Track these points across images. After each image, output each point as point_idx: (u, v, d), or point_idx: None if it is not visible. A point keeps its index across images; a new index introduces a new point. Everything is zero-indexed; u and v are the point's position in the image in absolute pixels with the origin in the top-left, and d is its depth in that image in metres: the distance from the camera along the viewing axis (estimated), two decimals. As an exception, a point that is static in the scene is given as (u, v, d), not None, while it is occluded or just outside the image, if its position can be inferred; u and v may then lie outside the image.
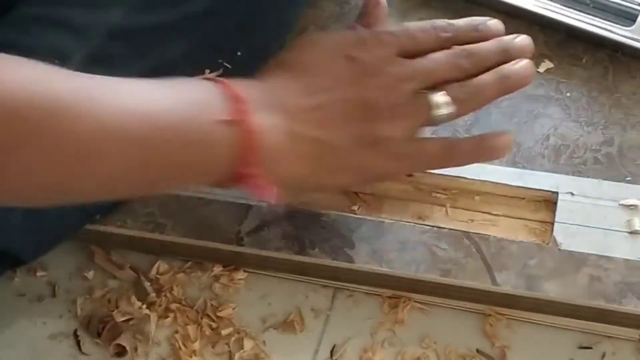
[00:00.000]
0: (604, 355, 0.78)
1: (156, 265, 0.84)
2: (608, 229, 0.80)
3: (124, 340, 0.80)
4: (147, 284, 0.83)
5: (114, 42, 0.80)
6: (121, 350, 0.80)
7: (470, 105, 0.77)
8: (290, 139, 0.72)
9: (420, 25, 0.78)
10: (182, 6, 0.82)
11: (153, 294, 0.82)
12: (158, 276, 0.83)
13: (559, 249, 0.79)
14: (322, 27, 0.96)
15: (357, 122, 0.74)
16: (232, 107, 0.70)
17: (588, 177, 0.83)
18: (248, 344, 0.79)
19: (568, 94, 0.89)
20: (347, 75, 0.75)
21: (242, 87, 0.72)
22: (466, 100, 0.76)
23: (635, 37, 0.90)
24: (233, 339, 0.80)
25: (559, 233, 0.79)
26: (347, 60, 0.75)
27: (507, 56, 0.78)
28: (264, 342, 0.80)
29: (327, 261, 0.80)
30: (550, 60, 0.90)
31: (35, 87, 0.64)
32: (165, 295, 0.82)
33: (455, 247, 0.80)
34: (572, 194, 0.82)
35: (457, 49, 0.77)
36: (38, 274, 0.85)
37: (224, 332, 0.80)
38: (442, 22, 0.78)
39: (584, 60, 0.91)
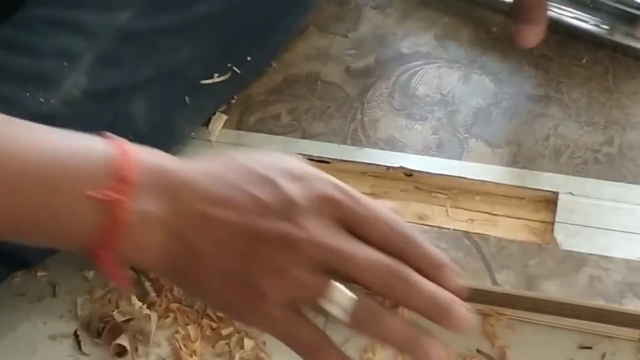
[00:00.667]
0: (604, 355, 0.78)
1: (156, 265, 0.84)
2: (608, 229, 0.80)
3: (124, 341, 0.80)
4: (147, 284, 0.83)
5: (123, 44, 0.80)
6: (121, 351, 0.80)
7: (361, 329, 0.63)
8: (164, 236, 0.63)
9: (386, 215, 0.64)
10: (191, 9, 0.82)
11: (153, 294, 0.82)
12: (158, 276, 0.83)
13: (559, 249, 0.79)
14: (322, 27, 0.96)
15: (241, 255, 0.63)
16: (112, 186, 0.61)
17: (588, 177, 0.83)
18: (248, 344, 0.79)
19: (568, 94, 0.89)
20: (265, 200, 0.63)
21: (145, 165, 0.63)
22: (361, 321, 0.63)
23: (636, 36, 0.90)
24: (233, 339, 0.80)
25: (559, 233, 0.80)
26: (278, 187, 0.63)
27: (435, 314, 0.64)
28: (264, 342, 0.80)
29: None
30: (550, 61, 0.90)
31: None
32: (166, 295, 0.82)
33: (455, 247, 0.80)
34: (572, 194, 0.82)
35: (399, 266, 0.63)
36: (38, 274, 0.85)
37: (224, 332, 0.80)
38: (411, 233, 0.65)
39: (584, 60, 0.91)
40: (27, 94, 0.77)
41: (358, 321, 0.63)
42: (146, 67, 0.81)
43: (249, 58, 0.87)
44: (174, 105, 0.83)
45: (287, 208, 0.63)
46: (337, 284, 0.62)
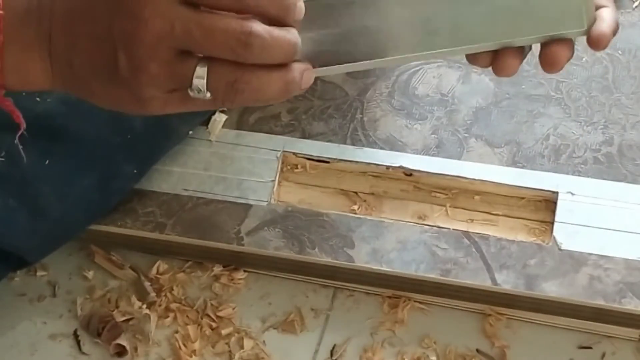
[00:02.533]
0: (604, 355, 0.78)
1: (156, 265, 0.84)
2: (608, 229, 0.80)
3: (124, 340, 0.80)
4: (147, 284, 0.83)
5: None
6: (121, 350, 0.80)
7: (229, 105, 0.63)
8: (43, 59, 0.64)
9: None
10: None
11: (153, 294, 0.82)
12: (158, 276, 0.83)
13: (559, 249, 0.79)
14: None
15: (104, 61, 0.63)
16: None
17: (588, 177, 0.83)
18: (248, 344, 0.80)
19: (568, 94, 0.89)
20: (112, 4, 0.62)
21: None
22: (227, 98, 0.63)
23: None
24: (233, 338, 0.80)
25: (559, 233, 0.80)
26: None
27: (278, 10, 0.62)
28: (264, 342, 0.80)
29: (327, 261, 0.80)
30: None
31: None
32: (166, 295, 0.82)
33: (455, 247, 0.80)
34: (572, 194, 0.82)
35: (243, 29, 0.61)
36: (38, 274, 0.85)
37: (224, 332, 0.80)
38: None
39: (584, 60, 0.91)
40: (24, 93, 0.76)
41: (222, 97, 0.62)
42: None
43: None
44: None
45: (132, 4, 0.61)
46: (198, 64, 0.61)
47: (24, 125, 0.66)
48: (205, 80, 0.62)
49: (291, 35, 0.63)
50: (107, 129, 0.71)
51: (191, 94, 0.62)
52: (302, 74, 0.64)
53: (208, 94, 0.62)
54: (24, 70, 0.65)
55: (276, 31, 0.62)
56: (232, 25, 0.61)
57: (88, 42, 0.64)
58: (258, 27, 0.62)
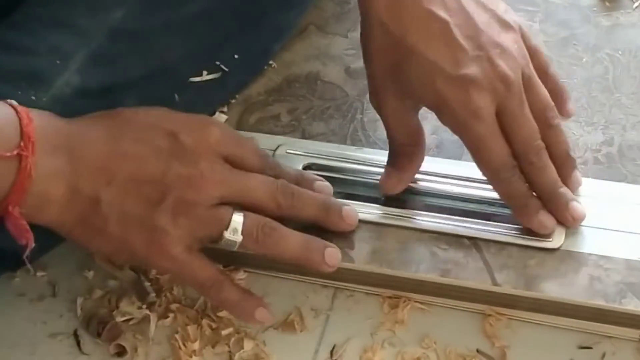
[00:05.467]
0: (604, 355, 0.78)
1: (156, 265, 0.84)
2: (608, 229, 0.80)
3: (124, 340, 0.80)
4: (147, 284, 0.83)
5: (115, 42, 0.80)
6: (121, 350, 0.80)
7: (259, 247, 0.75)
8: (67, 190, 0.72)
9: (260, 153, 0.78)
10: (182, 8, 0.83)
11: (153, 294, 0.82)
12: (158, 276, 0.83)
13: (559, 249, 0.79)
14: (322, 27, 0.96)
15: (137, 200, 0.72)
16: (19, 145, 0.69)
17: (588, 177, 0.83)
18: (248, 344, 0.79)
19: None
20: (158, 147, 0.73)
21: (43, 124, 0.71)
22: (257, 240, 0.75)
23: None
24: (233, 339, 0.80)
25: (559, 233, 0.79)
26: (168, 134, 0.74)
27: (325, 216, 0.78)
28: (264, 342, 0.80)
29: (327, 261, 0.80)
30: (550, 60, 0.90)
31: None
32: (166, 296, 0.82)
33: (455, 247, 0.80)
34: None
35: (282, 184, 0.76)
36: (38, 273, 0.85)
37: (224, 332, 0.80)
38: (275, 161, 0.79)
39: (584, 60, 0.91)
40: (19, 92, 0.77)
41: (254, 239, 0.74)
42: (138, 65, 0.81)
43: (236, 56, 0.87)
44: (163, 103, 0.83)
45: (181, 153, 0.73)
46: (234, 212, 0.73)
47: (32, 244, 0.72)
48: (242, 225, 0.74)
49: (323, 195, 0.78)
50: None
51: (226, 235, 0.73)
52: (325, 249, 0.77)
53: (241, 237, 0.74)
54: (44, 198, 0.71)
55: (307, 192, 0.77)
56: (274, 185, 0.76)
57: (130, 183, 0.72)
58: (294, 187, 0.77)
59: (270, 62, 0.93)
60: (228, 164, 0.75)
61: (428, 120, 0.87)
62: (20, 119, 0.70)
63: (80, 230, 0.74)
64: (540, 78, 0.80)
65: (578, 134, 0.86)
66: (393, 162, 0.82)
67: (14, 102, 0.72)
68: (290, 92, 0.92)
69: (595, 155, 0.85)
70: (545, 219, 0.78)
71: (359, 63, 0.92)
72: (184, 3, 0.83)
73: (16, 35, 0.79)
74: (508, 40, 0.77)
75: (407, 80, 0.77)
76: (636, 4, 0.95)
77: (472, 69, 0.76)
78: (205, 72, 0.85)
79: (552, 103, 0.79)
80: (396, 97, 0.79)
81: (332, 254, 0.76)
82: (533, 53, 0.80)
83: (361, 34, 0.80)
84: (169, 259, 0.73)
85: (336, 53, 0.94)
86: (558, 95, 0.82)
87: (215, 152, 0.74)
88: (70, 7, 0.80)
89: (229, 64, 0.86)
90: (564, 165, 0.80)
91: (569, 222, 0.79)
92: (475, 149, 0.78)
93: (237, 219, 0.73)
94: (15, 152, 0.69)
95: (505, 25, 0.78)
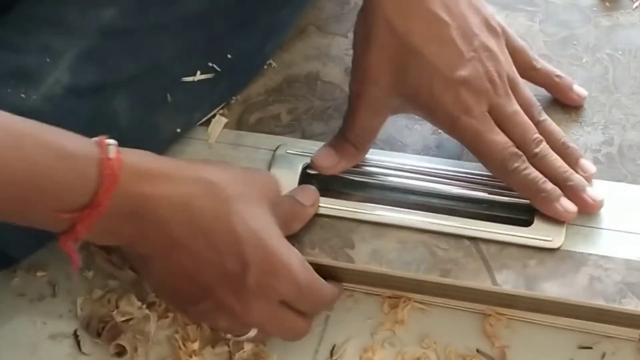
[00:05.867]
0: (604, 355, 0.78)
1: (156, 265, 0.84)
2: (608, 229, 0.80)
3: (124, 340, 0.80)
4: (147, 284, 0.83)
5: (106, 41, 0.80)
6: (121, 350, 0.80)
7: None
8: (130, 235, 0.72)
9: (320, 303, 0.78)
10: (174, 8, 0.83)
11: (153, 294, 0.82)
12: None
13: (559, 249, 0.79)
14: (322, 27, 0.96)
15: (189, 295, 0.74)
16: (83, 208, 0.68)
17: (588, 177, 0.83)
18: (248, 344, 0.79)
19: (568, 94, 0.89)
20: (223, 267, 0.72)
21: (129, 190, 0.69)
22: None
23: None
24: (233, 339, 0.80)
25: (559, 233, 0.79)
26: (239, 262, 0.72)
27: None
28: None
29: (327, 261, 0.80)
30: (550, 61, 0.90)
31: None
32: (166, 295, 0.82)
33: (455, 247, 0.80)
34: (572, 194, 0.82)
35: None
36: (38, 274, 0.85)
37: (224, 332, 0.80)
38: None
39: (584, 60, 0.91)
40: (9, 90, 0.76)
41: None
42: (129, 64, 0.81)
43: (229, 56, 0.87)
44: (155, 102, 0.84)
45: (240, 286, 0.72)
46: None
47: (78, 265, 0.72)
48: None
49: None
50: (92, 127, 0.71)
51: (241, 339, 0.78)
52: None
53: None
54: (107, 238, 0.72)
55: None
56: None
57: (183, 272, 0.73)
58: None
59: (270, 62, 0.93)
60: (284, 304, 0.75)
61: (428, 120, 0.88)
62: (101, 178, 0.68)
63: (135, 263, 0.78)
64: (530, 75, 0.84)
65: (578, 134, 0.86)
66: (339, 146, 0.83)
67: (111, 143, 0.70)
68: (290, 92, 0.91)
69: (595, 155, 0.85)
70: (568, 204, 0.79)
71: (359, 63, 0.92)
72: (176, 2, 0.83)
73: (6, 33, 0.79)
74: (494, 44, 0.80)
75: (404, 77, 0.79)
76: (636, 4, 0.95)
77: (465, 71, 0.78)
78: (198, 73, 0.85)
79: (536, 101, 0.82)
80: (386, 91, 0.80)
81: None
82: (518, 53, 0.83)
83: (358, 23, 0.80)
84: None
85: (336, 53, 0.94)
86: (559, 85, 0.85)
87: (274, 301, 0.74)
88: (61, 5, 0.80)
89: (222, 64, 0.86)
90: (567, 155, 0.81)
91: (589, 205, 0.79)
92: (474, 145, 0.79)
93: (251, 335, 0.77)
94: (74, 215, 0.68)
95: (492, 30, 0.81)
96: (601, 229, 0.80)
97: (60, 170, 0.67)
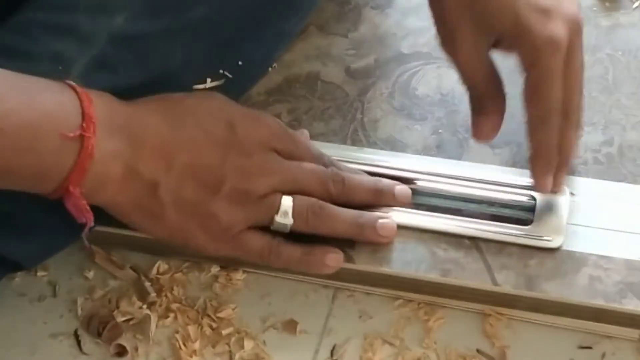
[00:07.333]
0: (604, 355, 0.78)
1: (156, 265, 0.84)
2: (608, 229, 0.80)
3: (124, 340, 0.80)
4: (147, 284, 0.83)
5: (117, 48, 0.80)
6: (122, 350, 0.80)
7: (311, 227, 0.78)
8: (126, 171, 0.74)
9: (311, 147, 0.81)
10: (185, 14, 0.82)
11: (153, 294, 0.82)
12: (158, 276, 0.84)
13: (559, 249, 0.79)
14: (322, 27, 0.96)
15: (195, 187, 0.75)
16: (81, 125, 0.71)
17: (588, 177, 0.83)
18: (248, 344, 0.80)
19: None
20: (217, 137, 0.76)
21: (103, 106, 0.73)
22: (308, 221, 0.77)
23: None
24: (233, 339, 0.80)
25: (559, 233, 0.79)
26: (227, 126, 0.77)
27: (378, 198, 0.80)
28: (264, 342, 0.80)
29: (328, 261, 0.80)
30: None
31: None
32: (166, 295, 0.83)
33: (455, 247, 0.80)
34: (572, 194, 0.82)
35: (332, 171, 0.79)
36: (39, 274, 0.85)
37: (224, 332, 0.80)
38: (322, 154, 0.81)
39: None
40: None
41: (304, 221, 0.77)
42: (140, 71, 0.81)
43: (240, 63, 0.87)
44: None
45: (237, 144, 0.76)
46: (283, 198, 0.77)
47: (91, 224, 0.74)
48: (291, 208, 0.77)
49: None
50: None
51: (277, 218, 0.76)
52: (377, 220, 0.79)
53: (291, 220, 0.77)
54: (103, 179, 0.73)
55: (358, 176, 0.81)
56: (325, 173, 0.79)
57: (188, 169, 0.75)
58: (345, 173, 0.80)
59: (272, 65, 0.93)
60: (280, 156, 0.78)
61: (428, 120, 0.88)
62: (80, 100, 0.72)
63: (136, 213, 0.76)
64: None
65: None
66: (479, 108, 0.80)
67: (72, 83, 0.74)
68: (291, 92, 0.92)
69: (595, 155, 0.85)
70: (549, 181, 0.79)
71: (359, 63, 0.92)
72: (186, 9, 0.82)
73: (18, 40, 0.79)
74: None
75: (485, 11, 0.76)
76: (636, 4, 0.95)
77: (550, 2, 0.75)
78: (209, 80, 0.85)
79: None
80: (472, 35, 0.77)
81: (385, 225, 0.78)
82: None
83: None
84: (223, 244, 0.77)
85: (336, 53, 0.94)
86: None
87: (269, 144, 0.77)
88: (72, 12, 0.80)
89: (232, 71, 0.86)
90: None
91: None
92: (540, 82, 0.76)
93: (287, 202, 0.77)
94: (77, 133, 0.71)
95: None
96: (601, 229, 0.80)
97: (53, 99, 0.72)
